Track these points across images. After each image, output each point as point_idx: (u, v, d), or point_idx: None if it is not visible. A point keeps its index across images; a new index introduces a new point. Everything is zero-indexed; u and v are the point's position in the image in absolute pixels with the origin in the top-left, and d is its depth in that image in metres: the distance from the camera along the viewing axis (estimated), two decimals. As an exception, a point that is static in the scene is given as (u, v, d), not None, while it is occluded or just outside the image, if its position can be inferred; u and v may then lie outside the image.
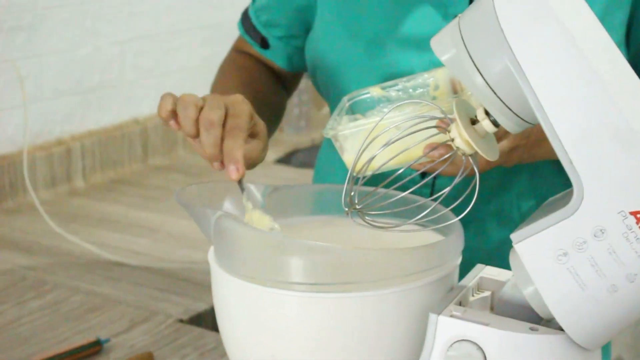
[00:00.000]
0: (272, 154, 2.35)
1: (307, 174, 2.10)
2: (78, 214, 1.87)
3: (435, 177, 1.19)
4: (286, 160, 2.38)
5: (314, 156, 1.71)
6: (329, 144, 1.32)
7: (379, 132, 0.97)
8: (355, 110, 1.14)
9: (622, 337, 2.64)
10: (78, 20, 2.05)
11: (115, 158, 2.13)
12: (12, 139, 1.94)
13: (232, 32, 1.51)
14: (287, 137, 2.48)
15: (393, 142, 0.95)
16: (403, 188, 0.97)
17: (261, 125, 1.09)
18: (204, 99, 1.03)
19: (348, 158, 1.09)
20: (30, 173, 1.90)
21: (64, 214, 1.86)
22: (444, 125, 0.94)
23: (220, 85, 1.30)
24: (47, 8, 1.99)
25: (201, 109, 1.01)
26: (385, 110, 1.09)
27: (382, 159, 0.96)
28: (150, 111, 2.25)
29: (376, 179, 0.98)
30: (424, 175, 1.12)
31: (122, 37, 2.16)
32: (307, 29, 1.27)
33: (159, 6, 2.23)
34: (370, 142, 0.95)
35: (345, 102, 1.14)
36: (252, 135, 1.07)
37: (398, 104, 1.04)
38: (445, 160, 0.96)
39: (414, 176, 0.97)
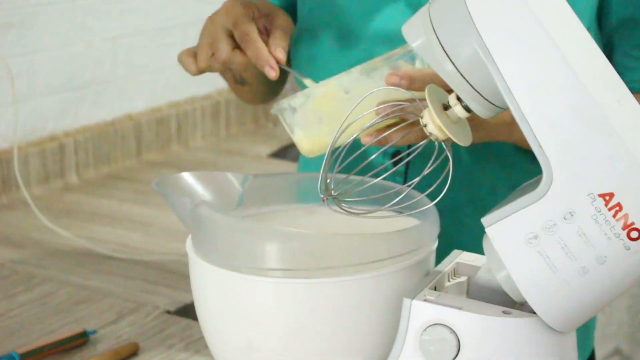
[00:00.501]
0: (266, 148, 2.36)
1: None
2: (71, 209, 1.88)
3: (407, 166, 1.19)
4: (281, 154, 2.39)
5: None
6: None
7: (319, 106, 0.97)
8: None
9: (621, 328, 2.64)
10: (70, 16, 2.06)
11: (109, 154, 2.13)
12: (4, 136, 1.94)
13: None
14: (282, 132, 2.49)
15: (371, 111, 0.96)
16: (376, 176, 0.97)
17: (266, 4, 1.16)
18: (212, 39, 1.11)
19: (299, 134, 1.06)
20: (23, 169, 1.91)
21: (57, 209, 1.87)
22: (413, 107, 0.95)
23: None
24: (38, 5, 2.00)
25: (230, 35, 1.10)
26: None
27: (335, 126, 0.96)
28: (144, 107, 2.26)
29: (351, 167, 0.99)
30: (396, 164, 1.13)
31: (115, 33, 2.17)
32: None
33: (152, 2, 2.24)
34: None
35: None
36: (266, 15, 1.15)
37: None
38: (402, 125, 0.97)
39: (386, 165, 0.98)
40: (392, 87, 0.99)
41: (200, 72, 1.16)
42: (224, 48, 1.11)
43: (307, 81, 1.10)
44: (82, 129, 2.10)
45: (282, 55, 1.10)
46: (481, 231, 0.94)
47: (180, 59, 1.17)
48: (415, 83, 0.98)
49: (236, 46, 1.12)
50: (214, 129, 2.40)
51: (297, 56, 1.24)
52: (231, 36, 1.12)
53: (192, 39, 2.34)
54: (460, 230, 1.20)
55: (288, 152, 2.42)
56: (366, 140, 1.00)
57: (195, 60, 1.15)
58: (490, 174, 1.22)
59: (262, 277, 0.93)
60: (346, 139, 0.96)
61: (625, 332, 2.63)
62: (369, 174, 0.99)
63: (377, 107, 0.98)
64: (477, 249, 1.03)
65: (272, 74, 1.09)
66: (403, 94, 0.99)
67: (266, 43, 1.11)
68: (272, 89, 1.36)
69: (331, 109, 1.02)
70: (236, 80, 1.29)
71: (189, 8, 2.31)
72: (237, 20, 1.11)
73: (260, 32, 1.12)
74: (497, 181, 1.22)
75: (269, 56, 1.08)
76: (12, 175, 1.91)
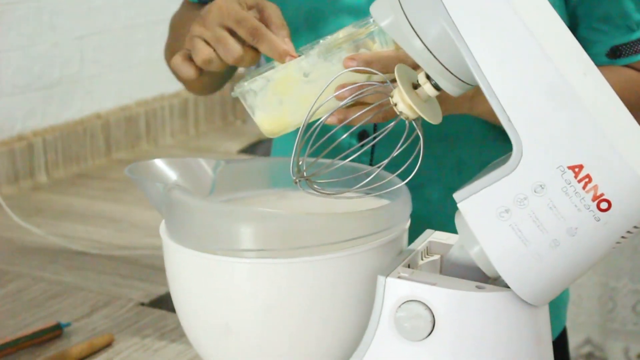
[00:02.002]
0: (236, 145, 2.36)
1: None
2: (41, 208, 1.87)
3: (373, 146, 1.20)
4: (250, 150, 2.39)
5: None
6: None
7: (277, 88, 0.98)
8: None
9: (591, 318, 2.66)
10: (36, 15, 2.06)
11: (78, 153, 2.13)
12: (-28, 136, 1.94)
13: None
14: (251, 128, 2.49)
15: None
16: (344, 157, 0.98)
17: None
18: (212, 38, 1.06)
19: (260, 115, 1.06)
20: (-8, 169, 1.91)
21: (27, 208, 1.86)
22: (376, 87, 0.96)
23: (173, 42, 1.30)
24: (3, 4, 1.99)
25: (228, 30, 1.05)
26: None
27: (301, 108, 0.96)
28: (112, 105, 2.25)
29: (321, 149, 0.99)
30: (361, 140, 1.14)
31: (81, 32, 2.16)
32: None
33: (117, 0, 2.23)
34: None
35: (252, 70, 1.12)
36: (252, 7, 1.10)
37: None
38: (371, 106, 0.97)
39: (355, 147, 0.98)
40: (346, 71, 1.00)
41: (200, 73, 1.10)
42: (236, 46, 1.05)
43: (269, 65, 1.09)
44: (50, 129, 2.09)
45: (292, 47, 1.06)
46: (448, 209, 0.94)
47: (176, 65, 1.10)
48: (372, 67, 0.99)
49: (243, 43, 1.07)
50: (183, 127, 2.40)
51: None
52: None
53: (159, 37, 2.35)
54: (427, 208, 1.21)
55: (257, 148, 2.43)
56: (331, 120, 1.00)
57: (191, 63, 1.09)
58: (457, 152, 1.23)
59: (237, 259, 0.94)
60: (313, 121, 0.97)
61: (595, 322, 2.65)
62: (338, 157, 0.99)
63: (337, 93, 0.98)
64: (444, 227, 1.04)
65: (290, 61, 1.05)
66: (364, 76, 1.00)
67: None
68: (223, 80, 1.34)
69: (291, 91, 1.03)
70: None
71: (155, 6, 2.30)
72: (239, 17, 1.06)
73: None
74: (465, 158, 1.23)
75: (285, 47, 1.05)
76: (-19, 176, 1.90)
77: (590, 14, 1.18)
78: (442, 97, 0.94)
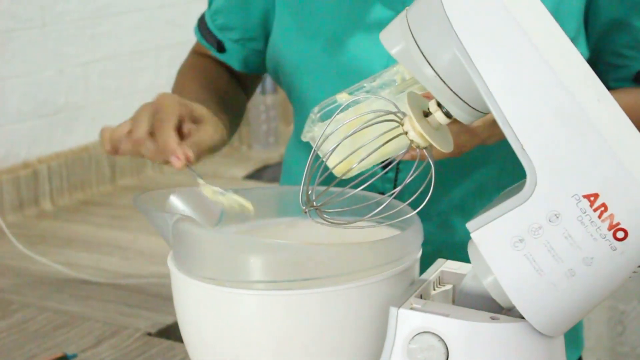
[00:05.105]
0: (241, 170, 2.35)
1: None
2: (46, 236, 1.86)
3: (397, 172, 1.19)
4: (256, 175, 2.38)
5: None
6: (294, 145, 1.32)
7: (350, 130, 0.97)
8: (325, 120, 1.12)
9: (601, 342, 2.64)
10: (41, 43, 2.05)
11: (83, 179, 2.12)
12: (-23, 163, 1.93)
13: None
14: (256, 154, 2.48)
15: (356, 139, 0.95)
16: (366, 182, 0.96)
17: (200, 110, 1.11)
18: (132, 119, 1.07)
19: (333, 159, 1.04)
20: (-4, 197, 1.90)
21: (32, 235, 1.85)
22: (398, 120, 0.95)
23: (179, 88, 1.30)
24: (9, 31, 1.99)
25: None
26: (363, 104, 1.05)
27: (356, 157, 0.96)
28: (118, 132, 2.24)
29: (332, 177, 0.98)
30: (385, 167, 1.12)
31: (86, 58, 2.16)
32: (266, 32, 1.27)
33: (122, 26, 2.23)
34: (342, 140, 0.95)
35: (315, 113, 1.13)
36: (196, 121, 1.09)
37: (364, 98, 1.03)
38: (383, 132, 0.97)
39: (375, 169, 0.97)
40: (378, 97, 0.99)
41: (114, 146, 1.08)
42: (141, 128, 1.06)
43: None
44: (55, 155, 2.08)
45: (191, 155, 1.05)
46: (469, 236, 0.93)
47: (100, 134, 1.10)
48: None
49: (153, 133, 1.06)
50: (189, 153, 2.39)
51: (284, 68, 1.24)
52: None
53: (163, 63, 2.34)
54: (449, 235, 1.20)
55: (263, 173, 2.42)
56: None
57: (109, 137, 1.08)
58: (479, 179, 1.22)
59: (247, 290, 0.92)
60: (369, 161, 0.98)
61: (605, 345, 2.63)
62: (359, 179, 0.98)
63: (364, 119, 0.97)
64: (466, 253, 1.02)
65: (178, 164, 1.05)
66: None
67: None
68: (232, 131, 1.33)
69: (362, 133, 1.00)
70: None
71: (159, 32, 2.30)
72: (162, 108, 1.07)
73: (181, 134, 1.07)
74: (485, 186, 1.22)
75: (178, 148, 1.04)
76: (-14, 204, 1.89)
77: (616, 41, 1.18)
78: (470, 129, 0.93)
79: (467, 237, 0.88)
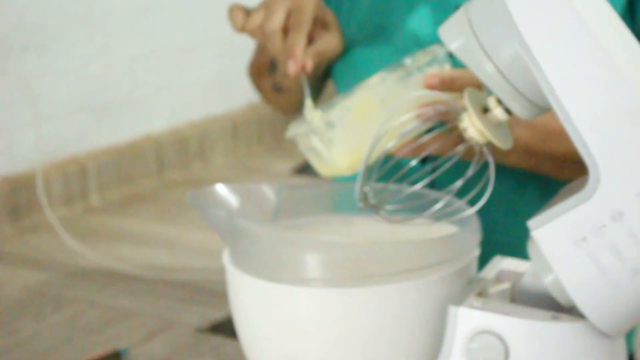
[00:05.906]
0: (287, 164, 2.35)
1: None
2: (94, 230, 1.87)
3: (434, 169, 1.17)
4: (303, 169, 2.38)
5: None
6: None
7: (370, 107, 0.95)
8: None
9: None
10: (88, 38, 2.06)
11: (131, 174, 2.13)
12: (26, 158, 1.94)
13: (244, 46, 1.51)
14: (302, 148, 2.48)
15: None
16: (412, 182, 0.96)
17: (331, 15, 1.10)
18: (266, 7, 1.06)
19: (338, 151, 1.02)
20: (45, 191, 1.90)
21: (81, 230, 1.86)
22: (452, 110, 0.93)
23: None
24: (57, 27, 2.00)
25: None
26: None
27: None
28: (164, 126, 2.25)
29: (387, 173, 0.97)
30: (424, 161, 1.11)
31: (133, 53, 2.16)
32: None
33: (169, 21, 2.23)
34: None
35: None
36: (324, 26, 1.09)
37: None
38: (438, 131, 0.95)
39: (413, 164, 0.96)
40: (427, 92, 0.98)
41: (244, 30, 1.09)
42: (275, 21, 1.05)
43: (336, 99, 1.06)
44: (103, 150, 2.09)
45: (310, 64, 1.06)
46: (509, 229, 0.91)
47: (231, 11, 1.10)
48: (455, 84, 0.97)
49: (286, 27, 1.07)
50: (234, 147, 2.39)
51: (347, 67, 1.22)
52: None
53: (209, 58, 2.35)
54: (489, 229, 1.18)
55: (309, 167, 2.41)
56: (402, 152, 0.98)
57: (244, 16, 1.08)
58: (515, 171, 1.20)
59: (303, 288, 0.91)
60: (384, 147, 0.95)
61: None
62: (398, 175, 0.97)
63: (419, 111, 0.96)
64: (507, 247, 1.01)
65: (293, 70, 1.05)
66: (437, 98, 0.98)
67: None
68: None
69: (370, 119, 1.00)
70: (274, 87, 1.27)
71: (207, 27, 2.30)
72: (300, 6, 1.06)
73: (309, 36, 1.08)
74: (523, 178, 1.20)
75: (300, 55, 1.04)
76: (35, 198, 1.90)
77: None
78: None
79: (508, 231, 0.87)
